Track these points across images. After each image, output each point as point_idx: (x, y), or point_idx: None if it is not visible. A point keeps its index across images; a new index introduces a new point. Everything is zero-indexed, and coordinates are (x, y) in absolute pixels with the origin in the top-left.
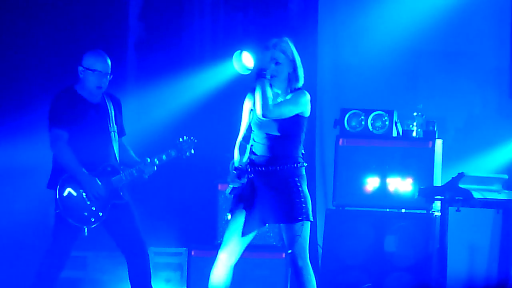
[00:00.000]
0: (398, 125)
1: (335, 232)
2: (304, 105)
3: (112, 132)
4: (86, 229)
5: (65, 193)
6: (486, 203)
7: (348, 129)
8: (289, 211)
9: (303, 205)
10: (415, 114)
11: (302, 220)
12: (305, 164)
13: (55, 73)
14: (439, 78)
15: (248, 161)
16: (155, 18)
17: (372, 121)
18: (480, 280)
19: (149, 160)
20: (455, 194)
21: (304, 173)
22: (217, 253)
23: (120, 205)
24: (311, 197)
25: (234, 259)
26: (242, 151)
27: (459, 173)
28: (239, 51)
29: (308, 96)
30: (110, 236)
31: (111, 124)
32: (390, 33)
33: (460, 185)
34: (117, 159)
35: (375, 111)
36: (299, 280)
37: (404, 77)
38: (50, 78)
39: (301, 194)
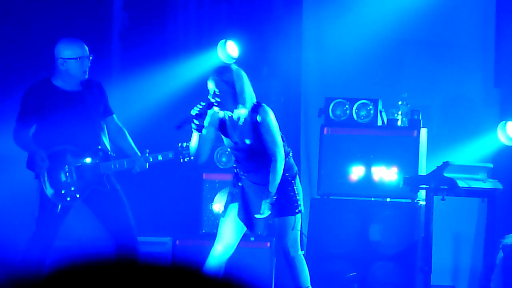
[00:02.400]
0: (383, 114)
1: (319, 221)
2: (275, 121)
3: (97, 118)
4: (60, 206)
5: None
6: (471, 192)
7: (332, 118)
8: (283, 205)
9: (297, 197)
10: (400, 103)
11: (296, 213)
12: (291, 154)
13: (33, 63)
14: (424, 67)
15: (234, 170)
16: (139, 7)
17: (356, 110)
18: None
19: (142, 157)
20: (440, 183)
21: (292, 162)
22: (205, 243)
23: (107, 192)
24: None
25: (229, 252)
26: None
27: (444, 162)
28: (223, 40)
29: (270, 112)
30: (100, 222)
31: (94, 110)
32: (374, 22)
33: (445, 174)
34: (107, 145)
35: (359, 100)
36: (292, 270)
37: (389, 66)
38: (28, 67)
39: (294, 187)
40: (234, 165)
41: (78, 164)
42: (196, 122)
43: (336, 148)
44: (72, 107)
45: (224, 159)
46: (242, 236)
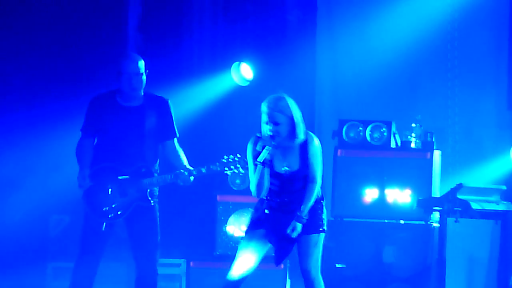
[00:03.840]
0: (397, 136)
1: (333, 243)
2: (321, 153)
3: (150, 135)
4: (104, 224)
5: (89, 187)
6: (485, 214)
7: (346, 140)
8: (309, 223)
9: (323, 216)
10: (413, 125)
11: (320, 231)
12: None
13: (56, 84)
14: (437, 89)
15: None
16: (153, 29)
17: (370, 132)
18: None
19: (186, 172)
20: (454, 205)
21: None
22: (219, 265)
23: (145, 207)
24: None
25: (246, 276)
26: None
27: (457, 184)
28: (237, 62)
29: (315, 138)
30: (129, 236)
31: (146, 127)
32: (388, 44)
33: (459, 196)
34: (153, 161)
35: (373, 122)
36: None
37: (402, 88)
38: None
39: (323, 206)
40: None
41: (120, 180)
42: (268, 157)
43: (350, 170)
44: (122, 122)
45: (238, 181)
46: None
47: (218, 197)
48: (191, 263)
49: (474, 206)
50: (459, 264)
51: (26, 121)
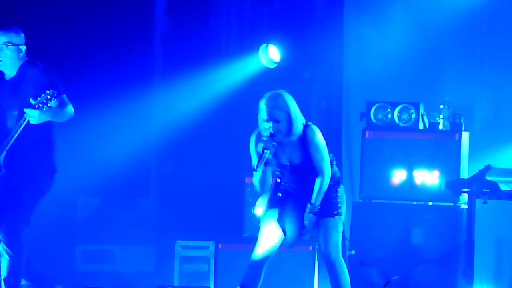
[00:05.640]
0: (425, 117)
1: (362, 225)
2: (322, 141)
3: (13, 107)
4: None
5: None
6: None
7: (374, 121)
8: (323, 208)
9: (338, 200)
10: (441, 106)
11: (335, 215)
12: (334, 162)
13: (78, 65)
14: (465, 70)
15: (277, 179)
16: (181, 12)
17: (398, 114)
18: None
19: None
20: (482, 186)
21: (335, 170)
22: (247, 247)
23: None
24: None
25: (269, 255)
26: None
27: (486, 165)
28: (265, 44)
29: (317, 131)
30: None
31: (15, 99)
32: (416, 24)
33: (487, 177)
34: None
35: (401, 103)
36: (333, 274)
37: (430, 69)
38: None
39: (337, 191)
40: (278, 177)
41: None
42: (269, 157)
43: (378, 152)
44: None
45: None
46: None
47: (246, 179)
48: (220, 245)
49: (503, 187)
50: (487, 246)
51: None
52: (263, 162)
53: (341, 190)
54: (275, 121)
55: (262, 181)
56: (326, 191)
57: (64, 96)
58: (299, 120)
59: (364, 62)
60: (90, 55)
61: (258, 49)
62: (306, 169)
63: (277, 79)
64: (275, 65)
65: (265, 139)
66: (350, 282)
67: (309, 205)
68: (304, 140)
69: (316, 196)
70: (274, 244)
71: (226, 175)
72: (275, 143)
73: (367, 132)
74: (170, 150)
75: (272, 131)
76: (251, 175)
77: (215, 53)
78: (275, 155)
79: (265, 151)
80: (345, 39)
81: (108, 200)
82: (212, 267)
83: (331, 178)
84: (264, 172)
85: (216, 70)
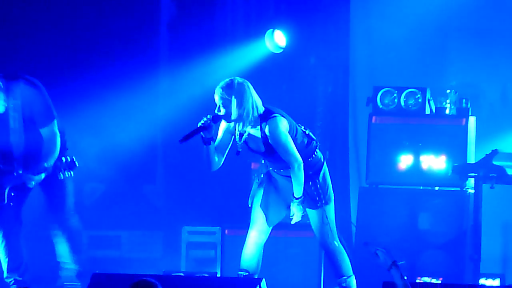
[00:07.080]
0: (431, 102)
1: (368, 210)
2: (286, 132)
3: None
4: None
5: None
6: None
7: (381, 106)
8: (306, 200)
9: (319, 191)
10: (448, 91)
11: (318, 207)
12: (318, 145)
13: (84, 53)
14: (472, 54)
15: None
16: None
17: (405, 99)
18: None
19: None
20: (489, 171)
21: (319, 156)
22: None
23: None
24: (344, 175)
25: (263, 237)
26: None
27: (493, 150)
28: (271, 29)
29: (281, 123)
30: None
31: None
32: (422, 9)
33: (494, 162)
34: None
35: (408, 88)
36: (333, 260)
37: (437, 54)
38: (78, 56)
39: (316, 181)
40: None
41: None
42: (202, 134)
43: (385, 137)
44: None
45: None
46: (289, 225)
47: (253, 165)
48: (226, 231)
49: (510, 172)
50: (494, 230)
51: (63, 92)
52: (192, 136)
53: (322, 179)
54: (219, 106)
55: (207, 161)
56: (305, 183)
57: (55, 123)
58: (248, 109)
59: (370, 47)
60: (97, 43)
61: (264, 35)
62: (277, 156)
63: (283, 64)
64: (281, 50)
65: (206, 117)
66: (355, 263)
67: (293, 198)
68: (264, 134)
69: (295, 187)
70: (267, 225)
71: (233, 161)
72: (209, 122)
73: (373, 118)
74: (177, 136)
75: (216, 112)
76: (258, 161)
77: (221, 39)
78: (245, 141)
79: (199, 124)
80: (351, 24)
81: (115, 186)
82: (219, 252)
83: (310, 167)
84: (206, 151)
85: (223, 56)
